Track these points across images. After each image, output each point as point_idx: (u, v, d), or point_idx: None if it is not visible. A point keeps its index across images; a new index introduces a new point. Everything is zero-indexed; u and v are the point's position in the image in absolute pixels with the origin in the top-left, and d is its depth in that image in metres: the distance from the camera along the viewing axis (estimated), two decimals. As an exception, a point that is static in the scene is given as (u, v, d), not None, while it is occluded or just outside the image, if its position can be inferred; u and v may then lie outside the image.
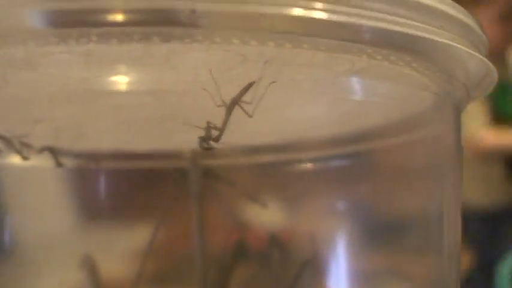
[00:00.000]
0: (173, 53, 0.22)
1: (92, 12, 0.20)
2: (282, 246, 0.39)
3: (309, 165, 0.40)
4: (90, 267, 0.37)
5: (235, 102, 0.25)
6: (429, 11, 0.24)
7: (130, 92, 0.24)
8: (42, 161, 0.34)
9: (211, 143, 0.25)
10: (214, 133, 0.25)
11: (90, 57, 0.22)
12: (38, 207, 0.39)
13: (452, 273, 0.33)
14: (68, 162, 0.35)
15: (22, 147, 0.30)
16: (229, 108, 0.25)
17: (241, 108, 0.25)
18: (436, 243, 0.34)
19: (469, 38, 0.26)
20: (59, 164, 0.33)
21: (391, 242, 0.37)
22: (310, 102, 0.30)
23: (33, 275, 0.38)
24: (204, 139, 0.25)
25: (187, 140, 0.26)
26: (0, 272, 0.36)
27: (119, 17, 0.20)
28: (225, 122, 0.25)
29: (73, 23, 0.20)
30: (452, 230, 0.34)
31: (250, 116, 0.25)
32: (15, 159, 0.33)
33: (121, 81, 0.23)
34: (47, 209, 0.40)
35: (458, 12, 0.25)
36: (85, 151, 0.36)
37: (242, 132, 0.33)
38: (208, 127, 0.25)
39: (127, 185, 0.39)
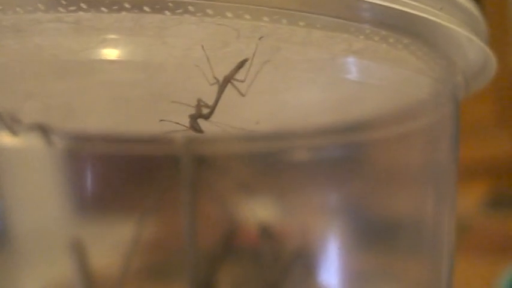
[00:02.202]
0: (165, 25, 0.21)
1: (81, -23, 0.19)
2: (273, 239, 0.39)
3: (303, 156, 0.39)
4: (79, 254, 0.37)
5: (228, 79, 0.24)
6: (429, -8, 0.23)
7: (121, 65, 0.24)
8: (33, 142, 0.33)
9: (202, 122, 0.25)
10: (206, 112, 0.25)
11: (79, 26, 0.21)
12: (27, 191, 0.39)
13: (445, 275, 0.33)
14: (59, 143, 0.34)
15: (12, 123, 0.30)
16: (222, 86, 0.24)
17: (234, 86, 0.24)
18: (429, 243, 0.34)
19: (469, 24, 0.26)
20: (49, 143, 0.33)
21: (383, 241, 0.37)
22: (306, 85, 0.30)
23: (21, 261, 0.38)
24: (194, 117, 0.24)
25: (180, 123, 0.25)
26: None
27: (109, -16, 0.19)
28: (217, 100, 0.25)
29: (62, -11, 0.20)
30: (447, 229, 0.33)
31: (243, 95, 0.25)
32: (5, 140, 0.32)
33: (110, 53, 0.23)
34: (37, 194, 0.40)
35: (459, -4, 0.25)
36: (75, 132, 0.35)
37: (237, 118, 0.32)
38: (199, 105, 0.24)
39: (118, 173, 0.38)
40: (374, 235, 0.37)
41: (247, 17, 0.21)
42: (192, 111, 0.25)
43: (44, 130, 0.32)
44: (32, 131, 0.31)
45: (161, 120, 0.23)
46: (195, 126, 0.25)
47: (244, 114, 0.31)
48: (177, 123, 0.24)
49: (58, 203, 0.40)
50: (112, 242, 0.40)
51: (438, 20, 0.24)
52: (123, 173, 0.39)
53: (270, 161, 0.39)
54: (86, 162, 0.37)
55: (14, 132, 0.30)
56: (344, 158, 0.38)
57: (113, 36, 0.22)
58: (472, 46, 0.27)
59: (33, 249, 0.38)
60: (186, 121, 0.25)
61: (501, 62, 0.29)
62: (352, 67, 0.26)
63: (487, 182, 0.93)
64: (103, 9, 0.20)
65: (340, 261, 0.37)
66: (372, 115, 0.35)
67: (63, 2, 0.20)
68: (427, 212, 0.34)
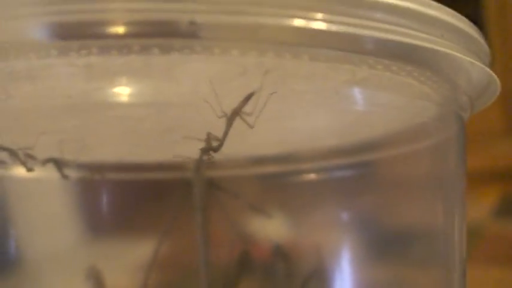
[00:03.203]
0: (173, 65, 0.22)
1: (92, 24, 0.20)
2: (287, 258, 0.39)
3: (312, 176, 0.40)
4: (95, 279, 0.37)
5: (236, 113, 0.25)
6: (429, 20, 0.24)
7: (131, 104, 0.24)
8: (47, 174, 0.34)
9: (212, 154, 0.25)
10: (216, 144, 0.25)
11: (91, 69, 0.22)
12: (43, 220, 0.39)
13: (458, 285, 0.33)
14: (73, 174, 0.35)
15: (27, 159, 0.30)
16: (230, 119, 0.25)
17: (242, 119, 0.25)
18: (440, 256, 0.34)
19: (471, 47, 0.26)
20: (64, 176, 0.33)
21: (395, 254, 0.37)
22: (312, 113, 0.30)
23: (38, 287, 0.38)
24: (205, 150, 0.25)
25: (190, 152, 0.26)
26: (5, 284, 0.36)
27: (119, 29, 0.20)
28: (226, 133, 0.25)
29: (74, 36, 0.20)
30: (458, 242, 0.33)
31: (252, 127, 0.25)
32: (20, 172, 0.33)
33: (122, 93, 0.23)
34: (52, 222, 0.40)
35: (459, 21, 0.25)
36: (89, 163, 0.36)
37: (245, 143, 0.33)
38: (209, 138, 0.25)
39: (131, 198, 0.39)
40: (386, 251, 0.37)
41: (253, 53, 0.22)
42: (202, 144, 0.25)
43: (58, 164, 0.32)
44: (46, 166, 0.32)
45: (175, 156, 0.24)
46: (205, 158, 0.25)
47: (252, 140, 0.31)
48: (186, 157, 0.24)
49: (73, 229, 0.40)
50: (127, 267, 0.40)
51: (440, 48, 0.24)
52: (137, 199, 0.39)
53: (280, 182, 0.40)
54: (100, 189, 0.38)
55: (28, 168, 0.30)
56: (352, 177, 0.38)
57: (123, 77, 0.23)
58: (474, 69, 0.27)
59: (50, 276, 0.39)
60: (195, 150, 0.26)
61: (508, 71, 0.29)
62: (357, 96, 0.26)
63: (496, 190, 0.93)
64: (113, 52, 0.21)
65: (354, 277, 0.37)
66: (378, 138, 0.35)
67: (75, 47, 0.20)
68: (437, 226, 0.34)
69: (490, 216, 0.87)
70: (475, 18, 0.27)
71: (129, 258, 0.40)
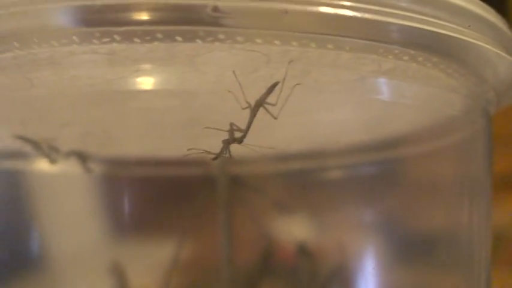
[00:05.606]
0: (196, 53, 0.22)
1: (114, 10, 0.20)
2: (310, 257, 0.39)
3: (337, 174, 0.39)
4: (118, 277, 0.37)
5: (260, 103, 0.24)
6: (456, 10, 0.23)
7: (155, 92, 0.24)
8: (71, 170, 0.34)
9: (235, 145, 0.25)
10: (239, 136, 0.25)
11: (113, 57, 0.22)
12: (66, 217, 0.39)
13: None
14: (96, 168, 0.35)
15: (50, 151, 0.30)
16: (254, 110, 0.25)
17: (266, 110, 0.25)
18: (465, 257, 0.33)
19: (498, 39, 0.26)
20: (87, 170, 0.33)
21: (419, 254, 0.36)
22: (337, 106, 0.30)
23: (61, 284, 0.38)
24: (227, 142, 0.25)
25: (214, 146, 0.26)
26: (28, 281, 0.36)
27: (142, 16, 0.20)
28: (249, 124, 0.25)
29: (96, 22, 0.20)
30: (483, 244, 0.33)
31: (275, 118, 0.25)
32: (44, 168, 0.33)
33: (145, 82, 0.23)
34: (75, 220, 0.40)
35: (486, 12, 0.25)
36: (112, 157, 0.36)
37: (269, 138, 0.32)
38: (232, 129, 0.25)
39: (155, 196, 0.39)
40: (410, 251, 0.37)
41: (277, 42, 0.22)
42: (225, 135, 0.25)
43: (81, 157, 0.32)
44: (69, 158, 0.32)
45: (190, 149, 0.24)
46: (224, 151, 0.25)
47: (276, 135, 0.31)
48: (205, 150, 0.24)
49: (96, 226, 0.40)
50: (150, 263, 0.40)
51: (466, 38, 0.24)
52: (160, 195, 0.39)
53: (304, 180, 0.39)
54: (123, 185, 0.38)
55: (52, 160, 0.30)
56: (378, 174, 0.37)
57: (146, 65, 0.22)
58: (501, 61, 0.27)
59: (72, 273, 0.39)
60: (219, 144, 0.25)
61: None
62: (383, 87, 0.26)
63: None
64: (136, 40, 0.20)
65: (377, 277, 0.37)
66: (404, 132, 0.35)
67: (97, 34, 0.20)
68: (462, 226, 0.34)
69: None
70: (501, 10, 0.27)
71: (151, 256, 0.40)
